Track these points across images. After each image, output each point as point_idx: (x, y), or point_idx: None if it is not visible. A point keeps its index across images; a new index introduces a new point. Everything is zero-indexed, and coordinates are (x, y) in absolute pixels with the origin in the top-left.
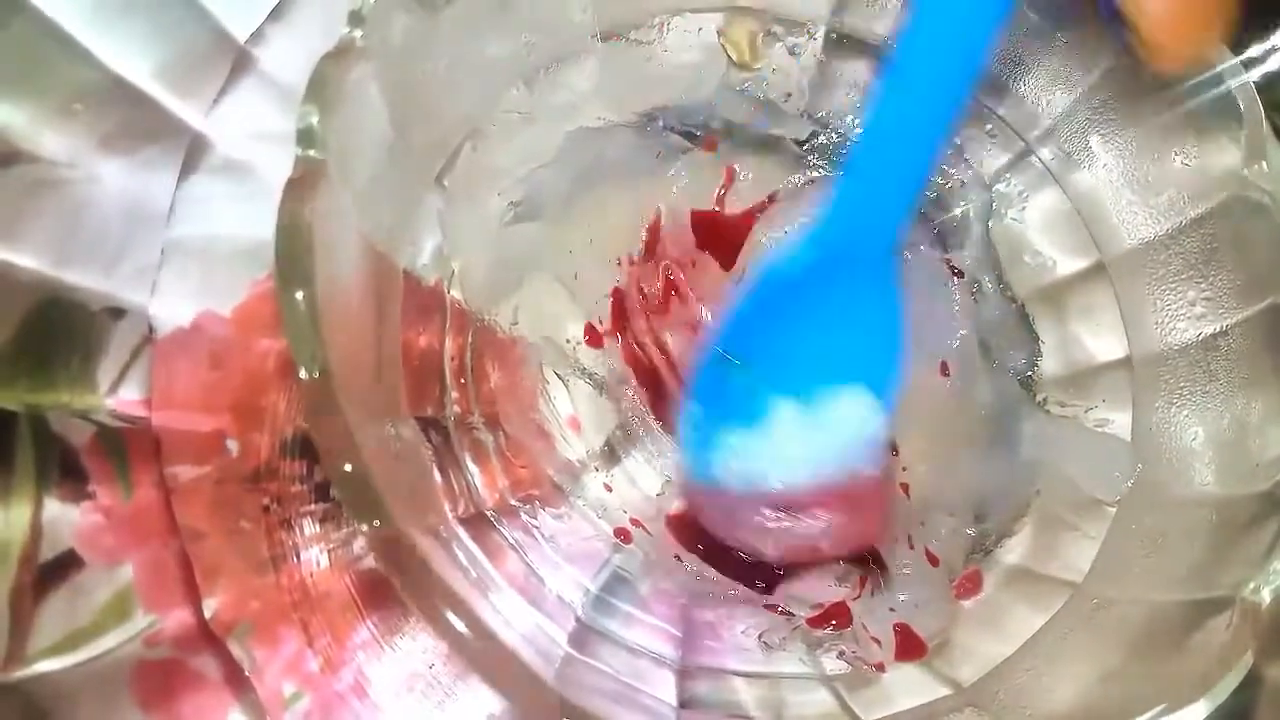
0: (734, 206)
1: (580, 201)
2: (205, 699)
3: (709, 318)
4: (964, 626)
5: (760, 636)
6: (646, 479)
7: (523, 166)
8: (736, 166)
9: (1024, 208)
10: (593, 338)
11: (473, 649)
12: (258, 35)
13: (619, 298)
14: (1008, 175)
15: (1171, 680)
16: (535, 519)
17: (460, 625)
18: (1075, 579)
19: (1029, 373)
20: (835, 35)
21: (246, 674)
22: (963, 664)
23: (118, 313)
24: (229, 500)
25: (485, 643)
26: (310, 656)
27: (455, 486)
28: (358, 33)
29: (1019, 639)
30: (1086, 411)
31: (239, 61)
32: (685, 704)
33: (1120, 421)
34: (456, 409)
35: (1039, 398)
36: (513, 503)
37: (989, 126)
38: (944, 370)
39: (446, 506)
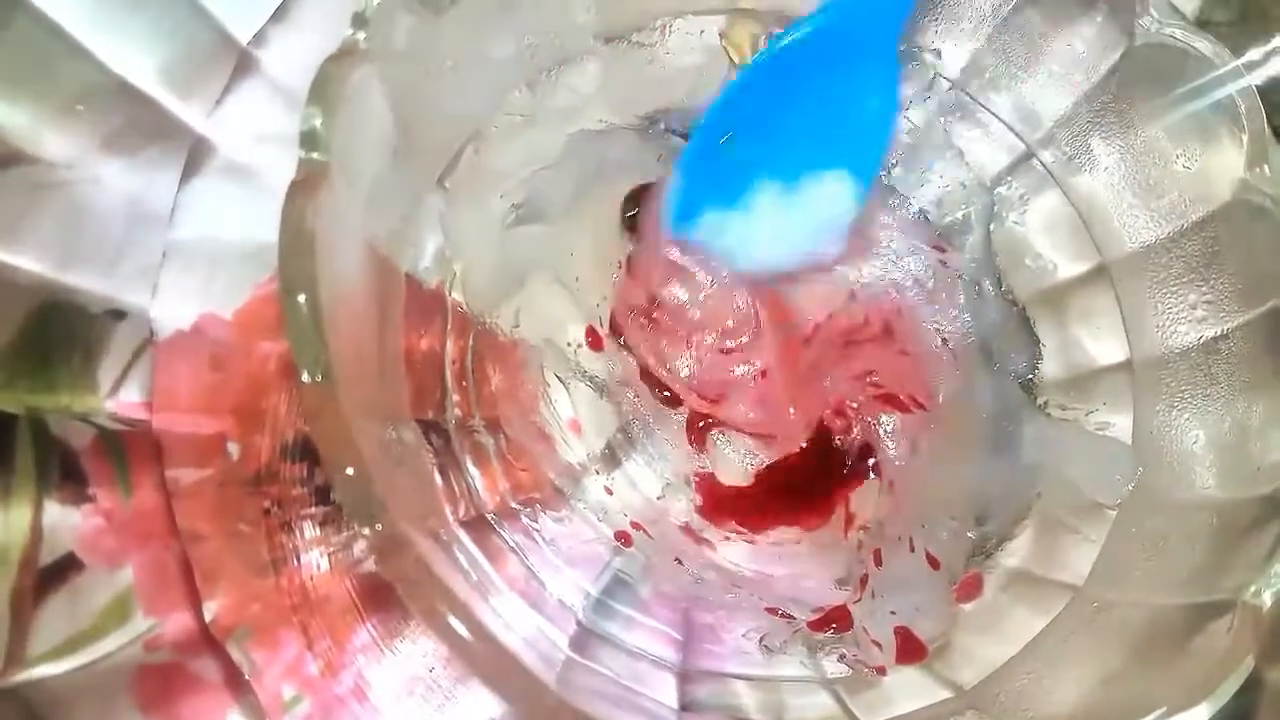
0: None
1: (582, 204)
2: (205, 702)
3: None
4: (965, 629)
5: (761, 640)
6: (647, 482)
7: (525, 169)
8: None
9: (1025, 211)
10: (594, 340)
11: (474, 652)
12: (260, 37)
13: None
14: (1009, 178)
15: (1172, 683)
16: (536, 522)
17: (461, 628)
18: (1076, 582)
19: (1030, 376)
20: None
21: (246, 677)
22: (963, 667)
23: (118, 315)
24: (229, 503)
25: (486, 646)
26: (310, 660)
27: (456, 489)
28: (361, 34)
29: (1020, 642)
30: (1087, 415)
31: (241, 63)
32: (686, 707)
33: (1121, 425)
34: (458, 412)
35: (1040, 401)
36: (513, 506)
37: (989, 129)
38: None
39: (447, 509)
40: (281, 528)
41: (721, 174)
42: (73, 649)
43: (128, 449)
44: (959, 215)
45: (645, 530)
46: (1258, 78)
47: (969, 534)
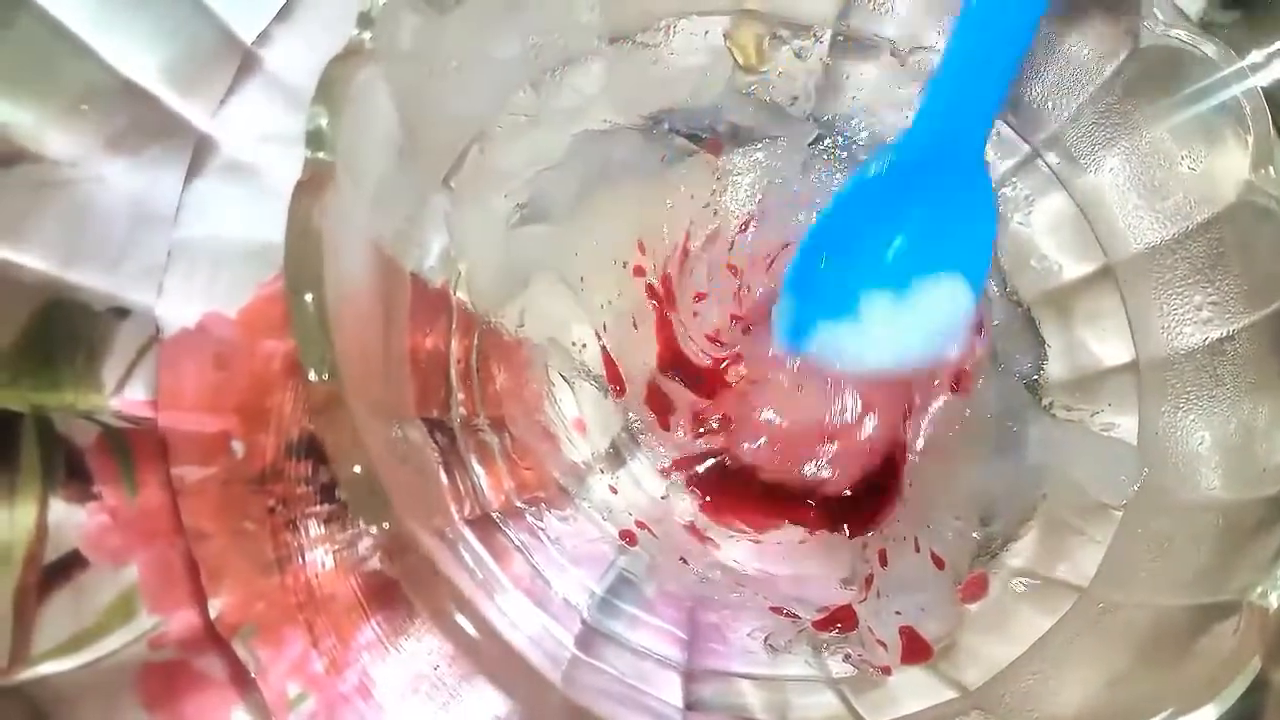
0: (735, 212)
1: (586, 204)
2: (210, 700)
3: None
4: (970, 630)
5: (766, 639)
6: (651, 481)
7: (529, 169)
8: (740, 168)
9: (1030, 212)
10: (619, 390)
11: (479, 650)
12: (264, 36)
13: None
14: (1014, 179)
15: (1178, 684)
16: (541, 521)
17: (467, 626)
18: (1081, 583)
19: (1035, 377)
20: (841, 38)
21: (251, 675)
22: (968, 667)
23: (122, 313)
24: (234, 501)
25: (492, 644)
26: (315, 657)
27: (461, 488)
28: (366, 34)
29: (1025, 642)
30: (1093, 416)
31: (245, 62)
32: (691, 706)
33: (1126, 426)
34: (462, 411)
35: (1045, 402)
36: (518, 505)
37: (995, 130)
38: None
39: (452, 508)
40: (286, 526)
41: (830, 289)
42: (77, 646)
43: (132, 447)
44: None
45: (650, 529)
46: (1263, 79)
47: (974, 534)
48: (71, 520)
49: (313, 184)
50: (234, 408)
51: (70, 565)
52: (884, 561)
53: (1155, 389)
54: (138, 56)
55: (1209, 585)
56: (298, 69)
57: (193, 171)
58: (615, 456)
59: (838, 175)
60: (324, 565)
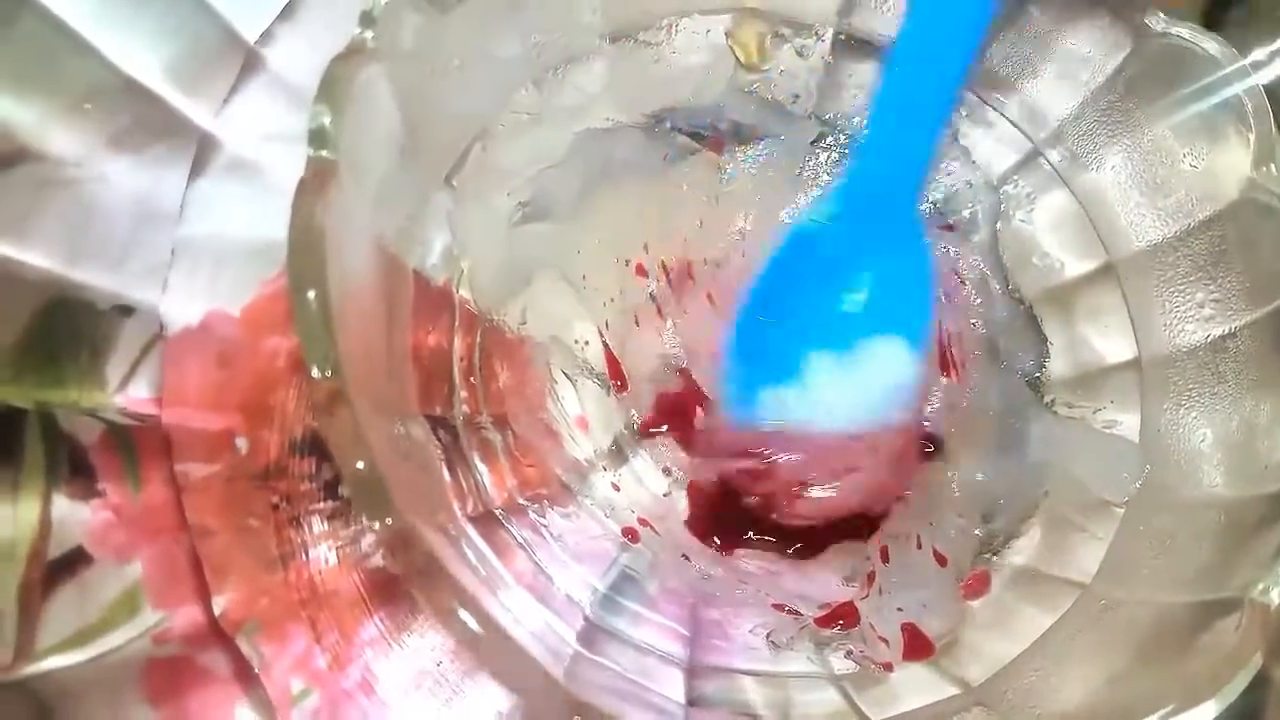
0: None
1: (588, 202)
2: (213, 695)
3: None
4: (972, 626)
5: (768, 635)
6: (654, 479)
7: (531, 167)
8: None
9: (1032, 209)
10: (620, 385)
11: (482, 646)
12: (267, 35)
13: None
14: (1016, 177)
15: (1180, 681)
16: (544, 518)
17: (471, 622)
18: (1083, 580)
19: (1037, 374)
20: (843, 37)
21: (255, 671)
22: (971, 664)
23: (126, 310)
24: (238, 498)
25: (495, 640)
26: (318, 653)
27: (464, 485)
28: (369, 33)
29: (1027, 639)
30: (1094, 413)
31: (248, 61)
32: (693, 702)
33: (1128, 423)
34: (465, 408)
35: (1047, 399)
36: (521, 501)
37: (997, 128)
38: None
39: (455, 505)
40: (290, 522)
41: (772, 352)
42: (81, 642)
43: (137, 444)
44: (966, 214)
45: (652, 526)
46: (1265, 77)
47: (976, 531)
48: (75, 517)
49: (315, 182)
50: (238, 405)
51: (74, 561)
52: (886, 558)
53: (1157, 386)
54: (141, 55)
55: (1211, 582)
56: (301, 68)
57: (196, 170)
58: (618, 454)
59: (839, 173)
60: (327, 561)
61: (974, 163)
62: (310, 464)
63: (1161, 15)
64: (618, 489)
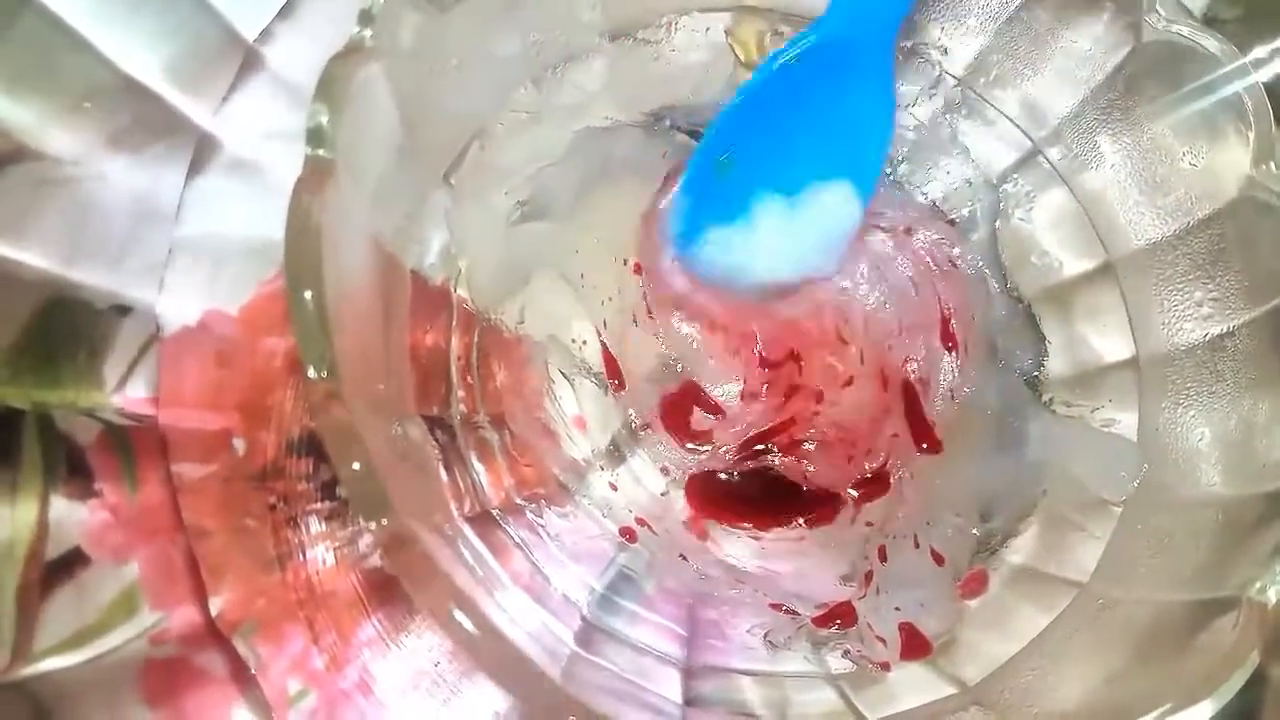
0: None
1: (587, 201)
2: (211, 696)
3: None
4: (969, 626)
5: (765, 635)
6: (651, 478)
7: (530, 166)
8: None
9: (1031, 208)
10: (617, 384)
11: (479, 646)
12: (266, 34)
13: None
14: (1015, 175)
15: (1177, 680)
16: (541, 518)
17: (467, 623)
18: (1081, 579)
19: (1035, 373)
20: None
21: (252, 671)
22: (968, 663)
23: (124, 310)
24: (235, 498)
25: (492, 640)
26: (316, 654)
27: (461, 485)
28: (367, 32)
29: (1024, 638)
30: (1093, 412)
31: (247, 60)
32: (690, 702)
33: (1126, 422)
34: (463, 408)
35: (1045, 398)
36: (518, 501)
37: (996, 126)
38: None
39: (452, 505)
40: (287, 523)
41: (724, 191)
42: (79, 643)
43: (134, 444)
44: (965, 212)
45: (650, 526)
46: (1264, 75)
47: (974, 530)
48: (73, 517)
49: (313, 181)
50: (235, 405)
51: (72, 562)
52: (883, 558)
53: (1155, 385)
54: (140, 54)
55: (1208, 581)
56: (300, 67)
57: (194, 169)
58: (615, 453)
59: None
60: (324, 562)
61: (973, 161)
62: (308, 464)
63: (1162, 13)
64: (615, 489)
